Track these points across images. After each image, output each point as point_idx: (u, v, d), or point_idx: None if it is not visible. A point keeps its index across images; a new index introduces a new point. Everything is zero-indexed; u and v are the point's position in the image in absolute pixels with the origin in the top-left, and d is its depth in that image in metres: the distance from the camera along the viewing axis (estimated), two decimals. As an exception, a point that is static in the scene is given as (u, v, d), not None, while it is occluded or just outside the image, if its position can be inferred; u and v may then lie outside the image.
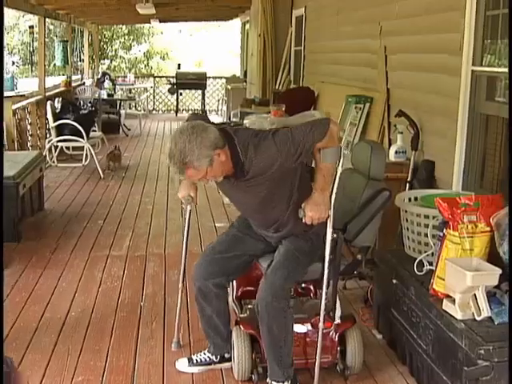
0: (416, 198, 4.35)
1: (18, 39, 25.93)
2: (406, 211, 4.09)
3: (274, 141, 3.18)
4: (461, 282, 3.15)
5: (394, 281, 3.91)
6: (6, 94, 9.61)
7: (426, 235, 3.81)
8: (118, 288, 5.12)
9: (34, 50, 14.26)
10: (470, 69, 4.67)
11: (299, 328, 3.60)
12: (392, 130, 6.15)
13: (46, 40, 12.66)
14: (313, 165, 3.40)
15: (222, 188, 3.56)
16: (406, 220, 4.07)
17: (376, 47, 6.62)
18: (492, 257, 3.42)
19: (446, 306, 3.28)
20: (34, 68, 19.50)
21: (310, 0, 10.26)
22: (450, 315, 3.23)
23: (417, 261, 3.73)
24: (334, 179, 3.34)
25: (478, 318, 3.15)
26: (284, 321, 3.41)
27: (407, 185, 5.29)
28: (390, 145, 6.04)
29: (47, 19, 12.14)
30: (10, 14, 19.29)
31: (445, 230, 3.43)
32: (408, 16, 5.83)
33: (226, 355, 3.82)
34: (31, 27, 14.96)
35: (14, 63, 20.40)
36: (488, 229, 3.42)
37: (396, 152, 5.53)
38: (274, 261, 3.46)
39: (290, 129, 3.25)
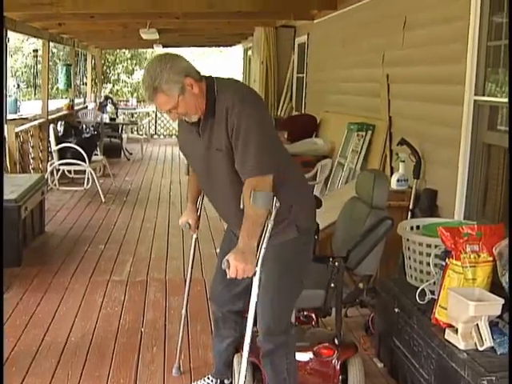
0: (418, 227, 4.34)
1: (22, 62, 26.10)
2: (408, 240, 4.08)
3: (249, 115, 2.92)
4: (463, 311, 3.14)
5: (396, 309, 3.90)
6: (9, 116, 9.66)
7: (427, 264, 3.80)
8: (118, 313, 5.11)
9: (37, 73, 14.32)
10: (473, 99, 4.69)
11: (301, 356, 3.58)
12: (394, 158, 6.18)
13: (50, 63, 12.74)
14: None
15: (187, 148, 3.30)
16: (408, 249, 4.07)
17: (379, 76, 6.67)
18: (494, 287, 3.42)
19: (449, 335, 3.27)
20: (36, 91, 19.58)
21: (312, 28, 10.34)
22: (453, 345, 3.21)
23: (419, 290, 3.72)
24: (265, 232, 2.90)
25: (480, 348, 3.14)
26: (285, 351, 3.33)
27: (409, 213, 5.30)
28: (391, 173, 6.07)
29: (51, 43, 12.23)
30: (14, 37, 19.40)
31: (447, 259, 3.43)
32: (412, 46, 5.87)
33: (226, 381, 3.80)
34: (35, 51, 15.05)
35: (18, 86, 20.42)
36: (490, 259, 3.41)
37: (398, 180, 5.55)
38: (260, 291, 3.01)
39: (260, 137, 2.94)
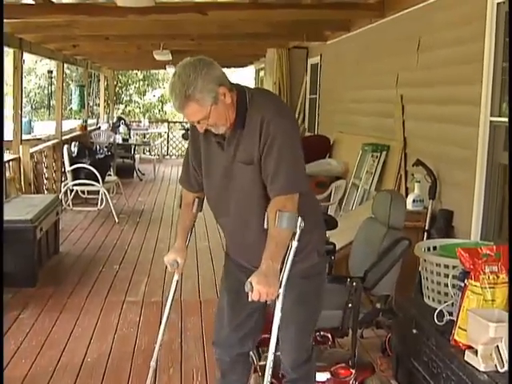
0: (435, 248, 4.33)
1: (35, 83, 26.32)
2: (425, 260, 4.07)
3: (285, 130, 2.82)
4: (483, 333, 3.12)
5: (414, 330, 3.88)
6: (23, 137, 9.71)
7: (445, 285, 3.79)
8: (134, 334, 5.11)
9: (51, 94, 14.45)
10: (489, 119, 4.70)
11: (319, 376, 3.56)
12: (409, 178, 6.17)
13: (63, 84, 12.85)
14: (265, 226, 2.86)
15: (208, 161, 3.07)
16: (426, 269, 4.05)
17: (393, 97, 6.68)
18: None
19: (468, 357, 3.25)
20: (50, 111, 19.71)
21: (325, 49, 10.39)
22: (473, 366, 3.19)
23: (437, 311, 3.70)
24: (289, 253, 2.79)
25: (500, 370, 3.11)
26: (307, 378, 3.30)
27: (425, 234, 5.29)
28: (406, 193, 6.07)
29: (65, 64, 12.33)
30: (28, 59, 19.57)
31: (466, 280, 3.42)
32: (426, 67, 5.89)
33: None
34: (50, 72, 15.22)
35: (33, 107, 20.62)
36: (509, 279, 3.40)
37: (414, 201, 5.55)
38: (283, 328, 2.91)
39: (295, 156, 2.87)
